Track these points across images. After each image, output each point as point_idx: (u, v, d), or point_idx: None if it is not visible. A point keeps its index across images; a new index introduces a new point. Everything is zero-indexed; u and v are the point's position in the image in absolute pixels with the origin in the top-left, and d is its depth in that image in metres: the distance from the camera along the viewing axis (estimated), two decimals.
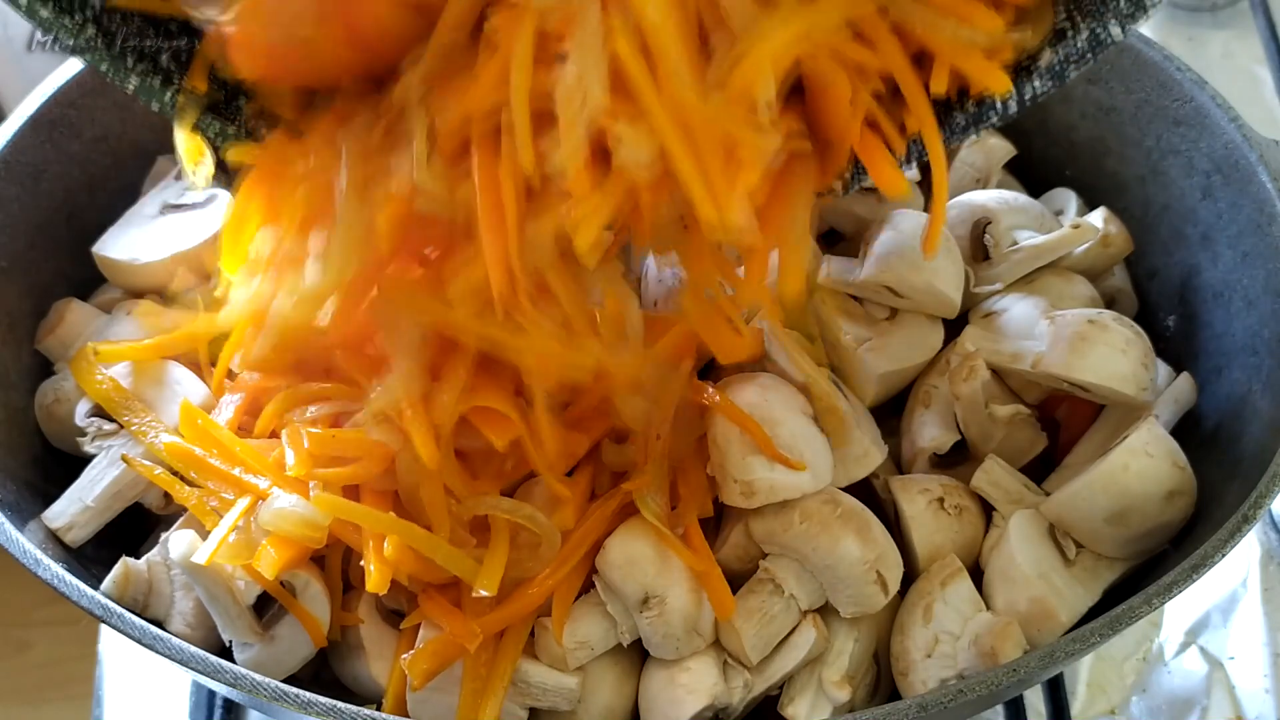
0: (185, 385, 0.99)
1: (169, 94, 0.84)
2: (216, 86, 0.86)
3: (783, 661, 0.92)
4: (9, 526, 0.89)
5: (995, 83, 0.80)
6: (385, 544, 0.87)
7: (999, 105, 0.84)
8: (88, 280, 1.12)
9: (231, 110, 0.86)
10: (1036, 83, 0.83)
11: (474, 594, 0.86)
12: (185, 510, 0.93)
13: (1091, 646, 0.83)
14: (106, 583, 0.91)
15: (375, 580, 0.86)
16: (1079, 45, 0.81)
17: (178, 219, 1.10)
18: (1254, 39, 1.62)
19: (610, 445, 0.94)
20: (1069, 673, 1.11)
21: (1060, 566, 0.93)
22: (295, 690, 0.81)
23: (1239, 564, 1.17)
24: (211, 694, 1.10)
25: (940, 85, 0.80)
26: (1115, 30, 0.80)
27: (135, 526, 1.01)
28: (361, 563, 0.88)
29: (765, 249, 0.84)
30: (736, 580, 0.93)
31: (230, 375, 0.97)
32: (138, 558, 0.94)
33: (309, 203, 0.84)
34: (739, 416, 0.91)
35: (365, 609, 0.93)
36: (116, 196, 1.15)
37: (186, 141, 0.87)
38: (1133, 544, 0.93)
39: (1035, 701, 1.08)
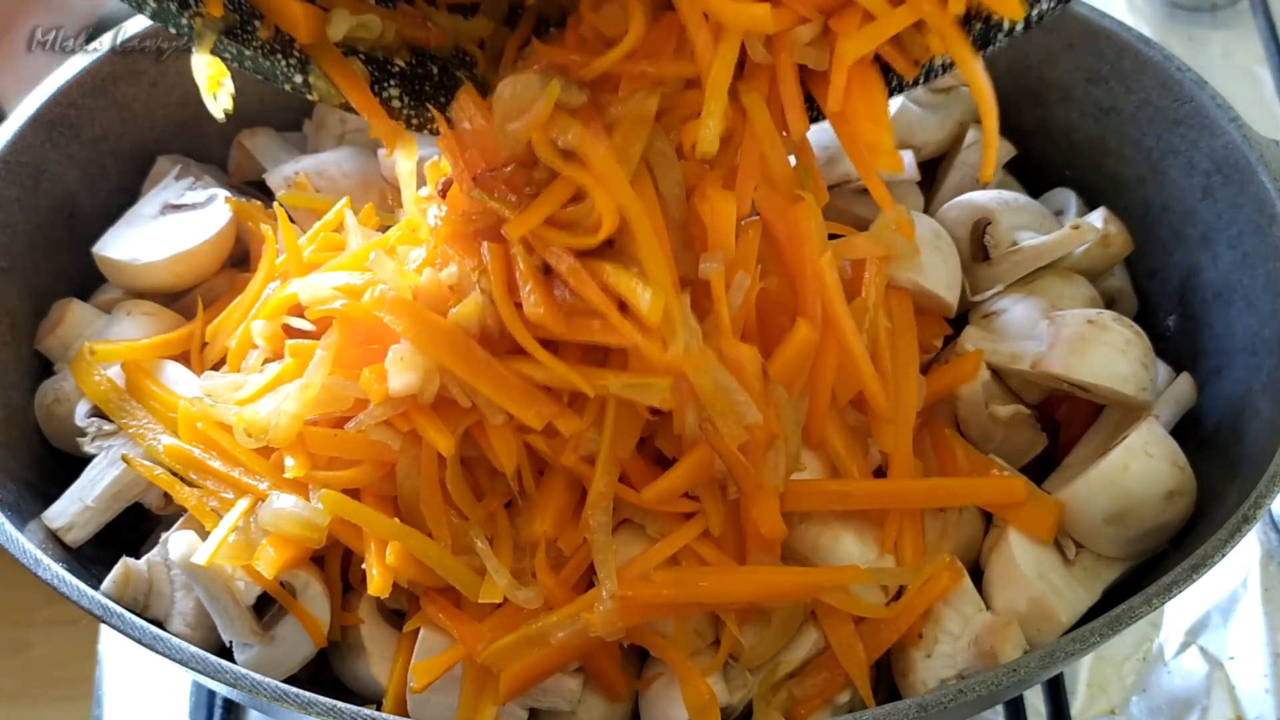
0: (182, 385, 0.99)
1: (185, 18, 0.84)
2: (231, 9, 0.86)
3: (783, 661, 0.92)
4: (9, 526, 0.89)
5: (1008, 8, 0.81)
6: (387, 549, 0.87)
7: (1005, 25, 0.84)
8: (88, 280, 1.12)
9: (247, 33, 0.86)
10: (1044, 4, 0.83)
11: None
12: (185, 510, 0.93)
13: (1091, 646, 0.83)
14: (106, 583, 0.91)
15: (377, 584, 0.86)
16: None
17: (178, 219, 1.10)
18: (1254, 39, 1.62)
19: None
20: (1069, 673, 1.11)
21: (1060, 566, 0.93)
22: (295, 690, 0.81)
23: (1239, 564, 1.17)
24: (211, 694, 1.10)
25: (959, 5, 0.81)
26: None
27: (135, 526, 1.01)
28: (363, 565, 0.88)
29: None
30: None
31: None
32: (138, 558, 0.94)
33: None
34: None
35: (365, 609, 0.93)
36: (116, 196, 1.15)
37: (207, 67, 0.87)
38: (1132, 544, 0.93)
39: (1035, 701, 1.08)
